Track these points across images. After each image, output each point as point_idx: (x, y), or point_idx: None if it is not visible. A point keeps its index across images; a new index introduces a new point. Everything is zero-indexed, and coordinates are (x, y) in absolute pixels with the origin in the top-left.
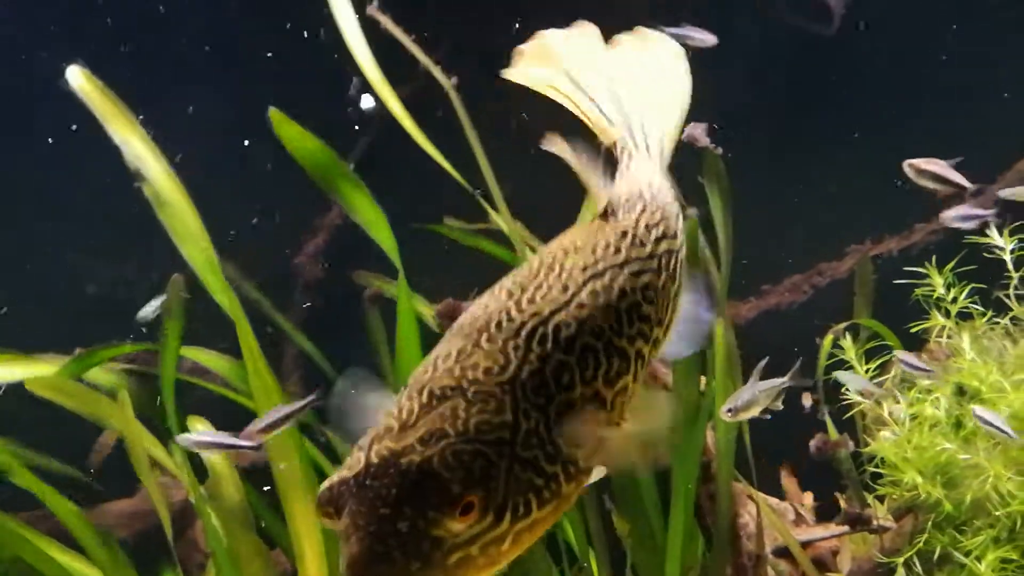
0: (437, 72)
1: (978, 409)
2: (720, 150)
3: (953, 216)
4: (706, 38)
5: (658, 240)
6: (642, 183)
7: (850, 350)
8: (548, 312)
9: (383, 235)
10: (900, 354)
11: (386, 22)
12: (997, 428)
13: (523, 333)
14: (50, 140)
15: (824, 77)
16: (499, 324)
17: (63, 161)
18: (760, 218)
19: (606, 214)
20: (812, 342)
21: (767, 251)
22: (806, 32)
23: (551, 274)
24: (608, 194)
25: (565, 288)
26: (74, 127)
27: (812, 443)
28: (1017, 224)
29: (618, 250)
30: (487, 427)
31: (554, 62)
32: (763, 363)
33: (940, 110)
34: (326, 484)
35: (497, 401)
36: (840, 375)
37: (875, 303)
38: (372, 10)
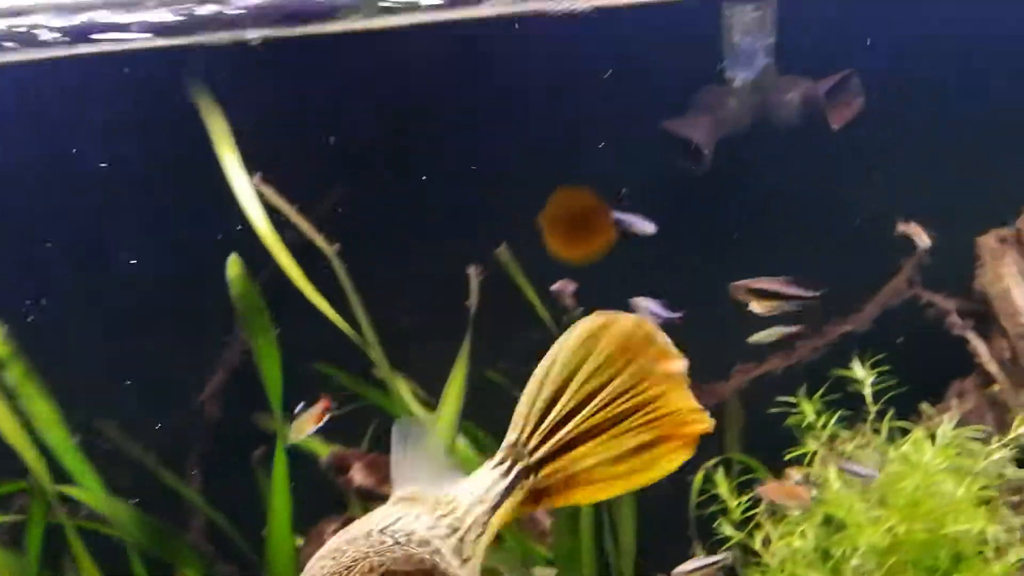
0: (320, 240)
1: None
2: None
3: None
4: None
5: None
6: None
7: (722, 484)
8: None
9: (271, 373)
10: (762, 490)
11: (269, 194)
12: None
13: None
14: None
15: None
16: None
17: None
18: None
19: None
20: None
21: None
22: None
23: None
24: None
25: None
26: None
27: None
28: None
29: None
30: None
31: None
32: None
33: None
34: None
35: None
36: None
37: (755, 427)
38: (257, 182)
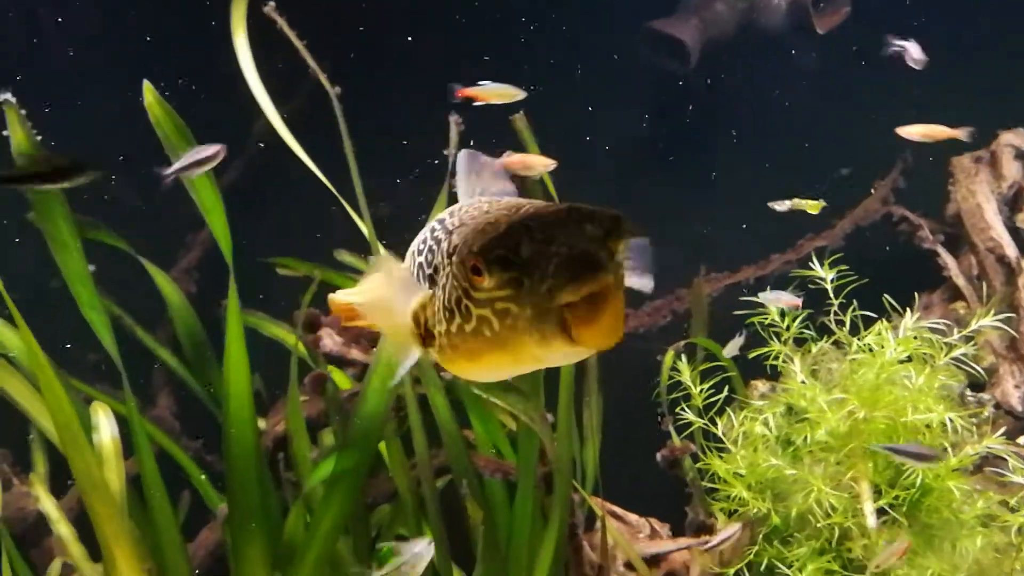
0: (323, 78)
1: None
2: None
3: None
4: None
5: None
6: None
7: (685, 371)
8: None
9: (218, 223)
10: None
11: (282, 24)
12: None
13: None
14: None
15: (686, 114)
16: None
17: None
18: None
19: None
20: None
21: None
22: (666, 70)
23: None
24: None
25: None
26: None
27: (660, 452)
28: (837, 255)
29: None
30: None
31: None
32: None
33: (793, 149)
34: (497, 235)
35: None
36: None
37: (729, 332)
38: (269, 9)
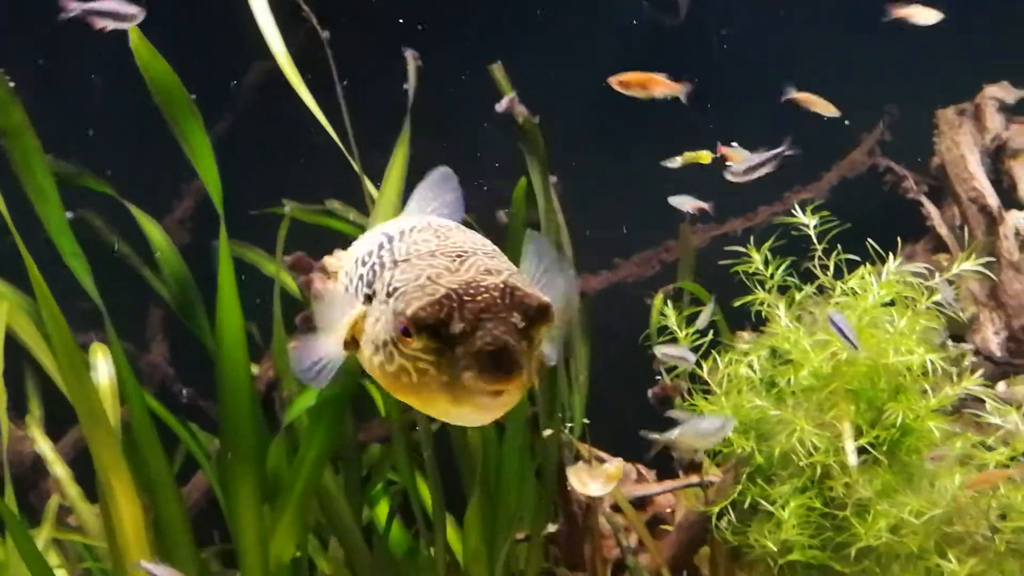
0: (314, 22)
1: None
2: (536, 118)
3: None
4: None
5: None
6: None
7: (671, 316)
8: None
9: (207, 169)
10: None
11: None
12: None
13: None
14: None
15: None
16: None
17: None
18: (616, 197)
19: None
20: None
21: (621, 228)
22: (654, 20)
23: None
24: None
25: None
26: None
27: (651, 391)
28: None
29: None
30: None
31: None
32: None
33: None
34: (433, 303)
35: (498, 253)
36: (658, 349)
37: (718, 283)
38: None
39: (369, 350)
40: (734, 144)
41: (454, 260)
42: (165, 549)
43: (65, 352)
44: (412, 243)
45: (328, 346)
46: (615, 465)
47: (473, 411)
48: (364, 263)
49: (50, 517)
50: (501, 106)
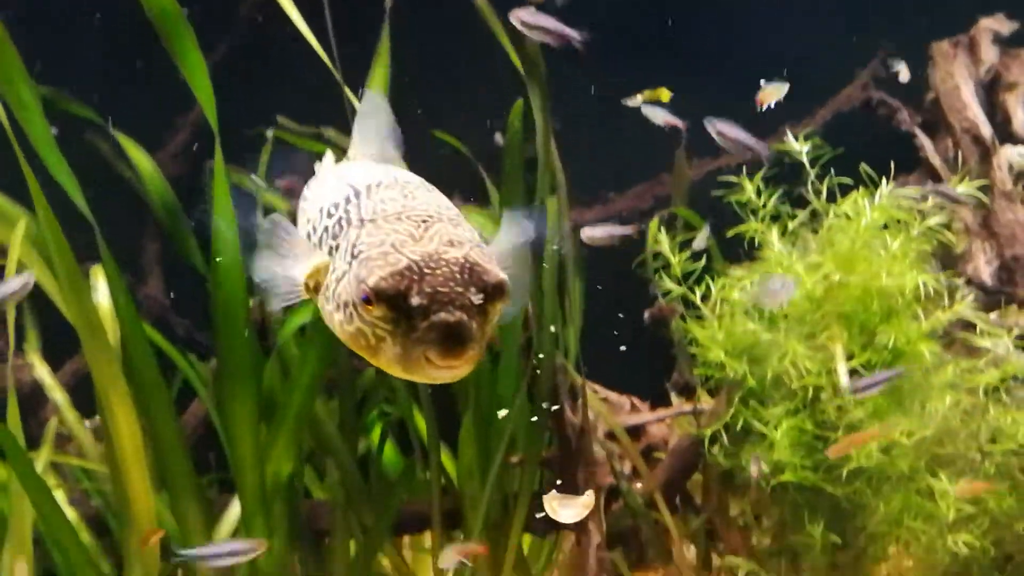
0: None
1: None
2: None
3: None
4: None
5: None
6: None
7: (665, 242)
8: None
9: (201, 86)
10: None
11: None
12: None
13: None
14: None
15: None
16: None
17: None
18: (610, 131)
19: None
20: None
21: (615, 162)
22: None
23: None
24: None
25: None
26: None
27: (647, 312)
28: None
29: None
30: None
31: None
32: None
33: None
34: (394, 273)
35: (461, 220)
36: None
37: (711, 215)
38: None
39: (330, 306)
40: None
41: (419, 226)
42: (163, 471)
43: (66, 269)
44: (379, 202)
45: (288, 281)
46: (588, 496)
47: (424, 378)
48: (330, 215)
49: (49, 440)
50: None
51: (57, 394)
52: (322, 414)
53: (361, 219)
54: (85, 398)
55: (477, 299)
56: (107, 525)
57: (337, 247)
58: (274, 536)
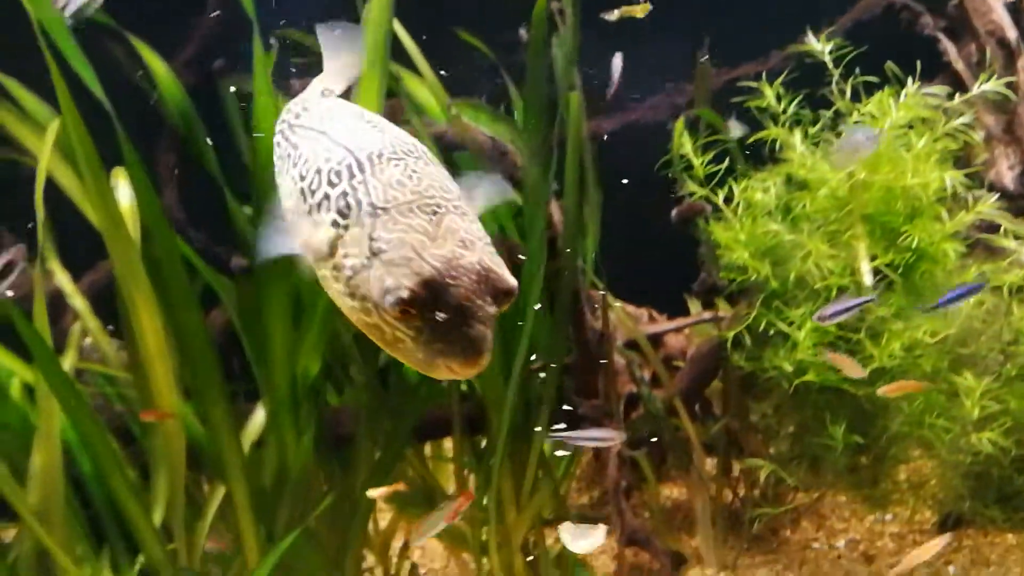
0: None
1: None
2: None
3: None
4: None
5: None
6: None
7: (687, 143)
8: None
9: None
10: None
11: None
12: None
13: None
14: None
15: None
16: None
17: None
18: (630, 42)
19: None
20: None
21: (636, 72)
22: None
23: None
24: None
25: None
26: None
27: (674, 211)
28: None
29: None
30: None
31: None
32: None
33: None
34: (418, 284)
35: (461, 201)
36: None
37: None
38: None
39: (339, 286)
40: None
41: (431, 220)
42: (189, 372)
43: (88, 165)
44: (387, 185)
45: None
46: (602, 529)
47: (439, 377)
48: (332, 183)
49: (73, 344)
50: None
51: (78, 301)
52: (341, 325)
53: (372, 204)
54: (101, 311)
55: (493, 309)
56: (131, 434)
57: (347, 227)
58: (303, 436)
